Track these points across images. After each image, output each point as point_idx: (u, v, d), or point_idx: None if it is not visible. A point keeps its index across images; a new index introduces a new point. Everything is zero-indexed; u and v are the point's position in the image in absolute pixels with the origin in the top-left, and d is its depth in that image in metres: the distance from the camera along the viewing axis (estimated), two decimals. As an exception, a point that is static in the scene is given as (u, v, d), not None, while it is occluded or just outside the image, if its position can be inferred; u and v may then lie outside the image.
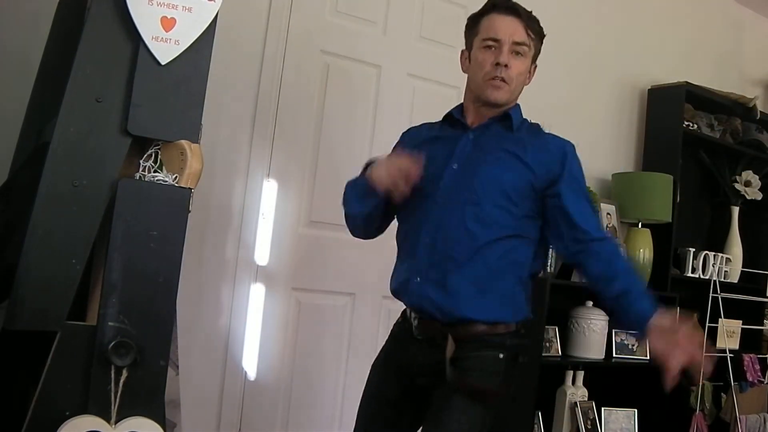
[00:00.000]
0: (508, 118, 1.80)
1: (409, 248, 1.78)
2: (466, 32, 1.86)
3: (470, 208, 1.71)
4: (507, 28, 1.75)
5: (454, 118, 1.86)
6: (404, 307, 1.83)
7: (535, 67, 1.85)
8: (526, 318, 1.78)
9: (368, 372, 1.89)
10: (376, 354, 1.91)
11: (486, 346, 1.70)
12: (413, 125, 2.00)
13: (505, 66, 1.74)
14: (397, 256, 1.86)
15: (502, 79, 1.75)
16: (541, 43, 1.83)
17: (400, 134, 1.99)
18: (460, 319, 1.69)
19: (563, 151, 1.79)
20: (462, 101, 1.88)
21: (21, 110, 1.94)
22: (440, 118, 1.91)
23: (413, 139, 1.91)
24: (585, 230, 1.70)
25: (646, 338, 1.60)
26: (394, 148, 1.93)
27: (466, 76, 1.86)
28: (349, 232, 1.97)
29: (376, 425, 1.83)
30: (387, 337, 1.90)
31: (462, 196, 1.73)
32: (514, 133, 1.80)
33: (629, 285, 1.66)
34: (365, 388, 1.88)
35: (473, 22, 1.83)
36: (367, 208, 1.83)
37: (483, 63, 1.77)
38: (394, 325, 1.88)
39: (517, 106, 1.85)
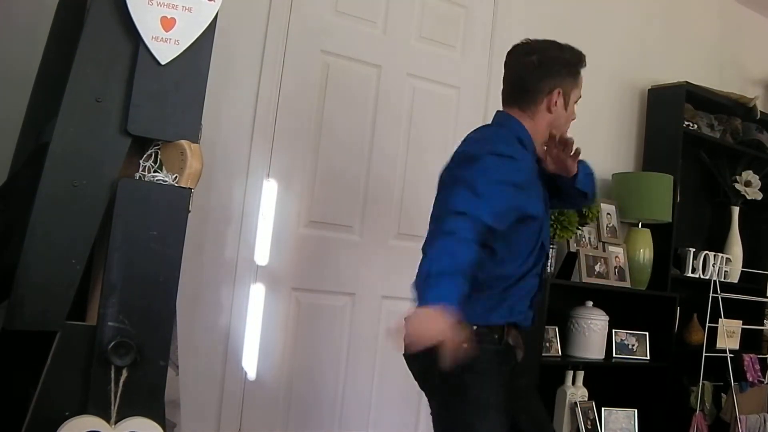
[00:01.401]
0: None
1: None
2: (564, 74, 1.89)
3: None
4: None
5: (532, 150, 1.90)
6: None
7: None
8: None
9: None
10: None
11: None
12: (497, 139, 1.85)
13: None
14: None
15: None
16: None
17: (509, 151, 1.79)
18: None
19: None
20: (523, 124, 1.88)
21: (21, 111, 1.94)
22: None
23: (529, 167, 1.85)
24: None
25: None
26: (513, 165, 1.76)
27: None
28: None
29: None
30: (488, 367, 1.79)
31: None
32: None
33: None
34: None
35: (575, 72, 1.92)
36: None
37: (570, 116, 1.93)
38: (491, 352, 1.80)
39: None
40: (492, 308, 1.80)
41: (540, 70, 1.87)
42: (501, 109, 1.95)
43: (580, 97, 1.95)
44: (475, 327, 1.74)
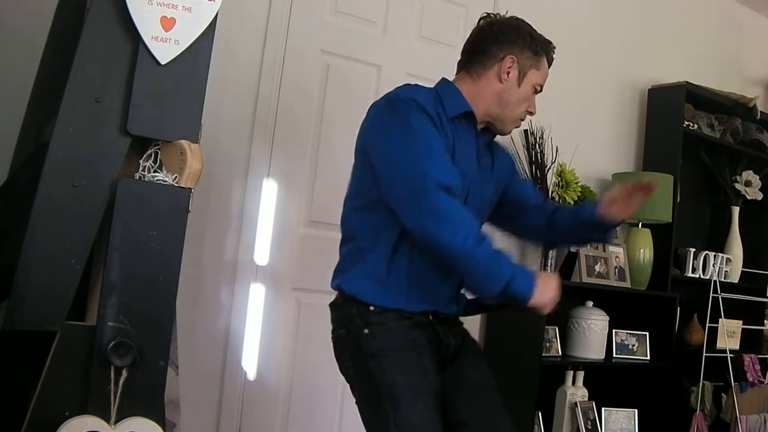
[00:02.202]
0: (493, 136, 1.85)
1: None
2: (521, 45, 1.75)
3: None
4: None
5: (465, 116, 1.76)
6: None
7: None
8: None
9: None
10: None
11: None
12: (410, 85, 1.74)
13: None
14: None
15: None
16: None
17: (407, 96, 1.67)
18: None
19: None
20: (457, 87, 1.76)
21: (21, 110, 1.94)
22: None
23: (433, 118, 1.67)
24: None
25: (604, 216, 1.81)
26: (411, 112, 1.64)
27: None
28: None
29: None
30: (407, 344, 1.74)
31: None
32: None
33: None
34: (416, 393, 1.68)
35: (536, 53, 1.77)
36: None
37: (524, 103, 1.78)
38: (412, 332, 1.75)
39: None
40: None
41: (496, 35, 1.75)
42: None
43: (541, 87, 1.79)
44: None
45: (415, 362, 1.68)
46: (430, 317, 1.74)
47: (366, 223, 1.73)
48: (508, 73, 1.74)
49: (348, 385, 1.80)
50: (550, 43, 1.83)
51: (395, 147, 1.62)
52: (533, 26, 1.82)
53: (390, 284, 1.70)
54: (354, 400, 1.75)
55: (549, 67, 1.82)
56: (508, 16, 1.82)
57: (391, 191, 1.63)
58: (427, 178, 1.56)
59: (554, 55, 1.84)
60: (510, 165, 1.94)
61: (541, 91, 1.81)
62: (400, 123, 1.63)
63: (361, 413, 1.71)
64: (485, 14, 1.83)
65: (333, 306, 1.85)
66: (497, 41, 1.75)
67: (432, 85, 1.78)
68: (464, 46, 1.83)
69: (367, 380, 1.68)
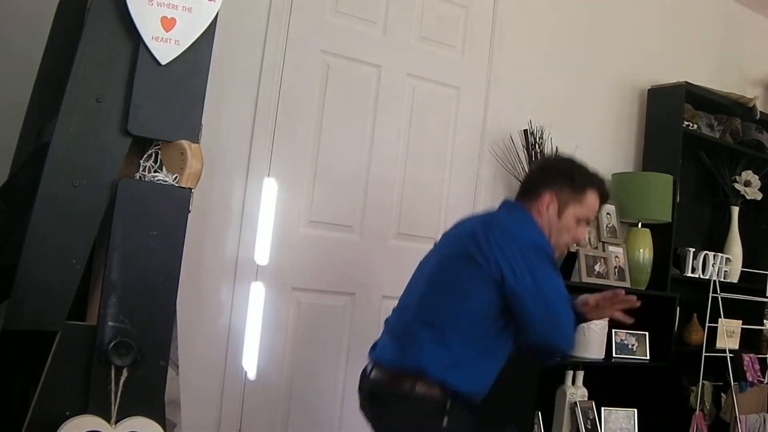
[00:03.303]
0: None
1: None
2: (561, 183, 1.99)
3: None
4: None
5: None
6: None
7: None
8: None
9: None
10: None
11: None
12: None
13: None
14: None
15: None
16: None
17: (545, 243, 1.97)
18: None
19: None
20: (534, 216, 2.00)
21: (21, 110, 1.94)
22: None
23: None
24: None
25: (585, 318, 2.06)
26: (547, 253, 1.93)
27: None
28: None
29: None
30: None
31: None
32: None
33: None
34: None
35: (577, 187, 1.99)
36: None
37: (570, 233, 2.00)
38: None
39: None
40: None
41: (541, 173, 2.06)
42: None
43: (587, 219, 2.02)
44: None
45: None
46: None
47: None
48: (548, 207, 1.98)
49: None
50: (597, 179, 2.03)
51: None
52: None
53: None
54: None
55: (603, 201, 2.05)
56: (565, 157, 2.15)
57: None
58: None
59: (607, 188, 2.07)
60: None
61: (588, 223, 2.05)
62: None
63: None
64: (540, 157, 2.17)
65: None
66: (541, 180, 2.03)
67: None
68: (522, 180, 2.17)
69: None
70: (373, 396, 1.92)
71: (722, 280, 3.68)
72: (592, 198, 2.01)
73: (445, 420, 1.79)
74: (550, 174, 2.03)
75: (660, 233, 3.52)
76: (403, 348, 1.88)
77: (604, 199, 2.05)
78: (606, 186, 2.08)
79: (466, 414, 1.85)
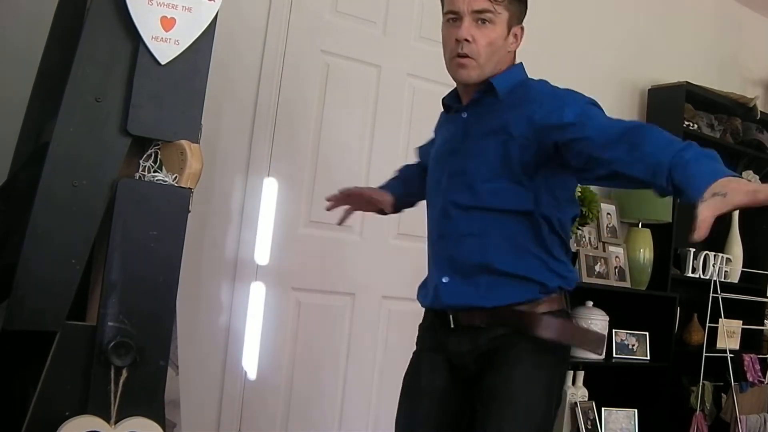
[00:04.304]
0: (492, 88, 1.70)
1: None
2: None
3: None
4: None
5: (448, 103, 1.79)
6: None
7: (522, 28, 1.72)
8: None
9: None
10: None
11: None
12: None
13: (466, 40, 1.64)
14: None
15: (466, 55, 1.66)
16: (520, 2, 1.71)
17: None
18: None
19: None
20: None
21: (21, 110, 1.94)
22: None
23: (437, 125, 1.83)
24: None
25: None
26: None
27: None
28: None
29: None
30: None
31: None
32: (503, 99, 1.69)
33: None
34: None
35: None
36: None
37: (447, 40, 1.70)
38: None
39: (511, 69, 1.73)
40: None
41: None
42: None
43: (449, 11, 1.75)
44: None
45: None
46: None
47: None
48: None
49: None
50: None
51: None
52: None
53: None
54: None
55: None
56: None
57: None
58: None
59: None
60: None
61: (457, 14, 1.70)
62: None
63: None
64: None
65: None
66: None
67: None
68: None
69: None
70: None
71: (722, 280, 3.68)
72: None
73: None
74: None
75: (660, 233, 3.52)
76: None
77: None
78: None
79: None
